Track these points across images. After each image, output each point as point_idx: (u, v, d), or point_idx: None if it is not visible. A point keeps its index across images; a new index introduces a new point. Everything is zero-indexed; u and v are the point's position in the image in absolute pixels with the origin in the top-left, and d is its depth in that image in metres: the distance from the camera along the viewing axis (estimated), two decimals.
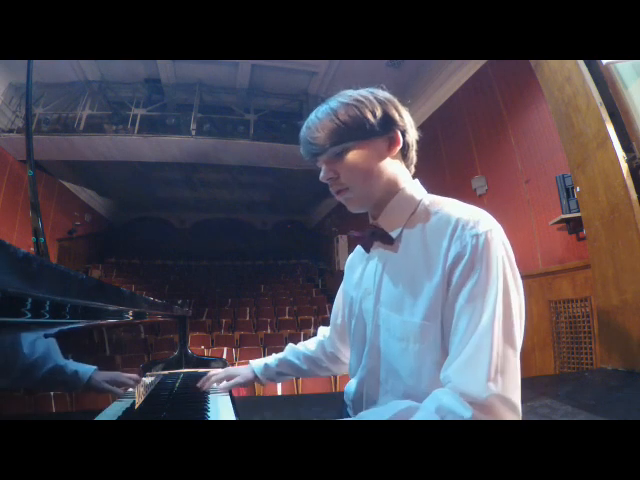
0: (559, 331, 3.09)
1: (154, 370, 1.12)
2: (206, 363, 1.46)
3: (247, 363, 1.01)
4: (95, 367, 0.57)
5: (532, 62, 3.01)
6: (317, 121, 0.66)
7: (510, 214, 3.78)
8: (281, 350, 1.01)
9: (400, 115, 0.67)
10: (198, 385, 1.01)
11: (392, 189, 0.68)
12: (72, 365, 0.50)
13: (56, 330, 0.49)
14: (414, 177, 0.73)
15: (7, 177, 5.67)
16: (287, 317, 6.28)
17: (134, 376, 0.81)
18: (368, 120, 0.64)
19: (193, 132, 6.18)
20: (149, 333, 1.13)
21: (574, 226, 2.99)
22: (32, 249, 0.90)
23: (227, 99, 6.68)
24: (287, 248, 10.72)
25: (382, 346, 0.67)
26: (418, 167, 0.74)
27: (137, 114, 6.27)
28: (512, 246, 0.60)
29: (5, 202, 5.57)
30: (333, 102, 0.67)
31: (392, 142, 0.67)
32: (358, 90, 0.69)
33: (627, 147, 2.25)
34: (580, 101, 2.45)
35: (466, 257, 0.57)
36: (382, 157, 0.67)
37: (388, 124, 0.66)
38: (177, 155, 6.63)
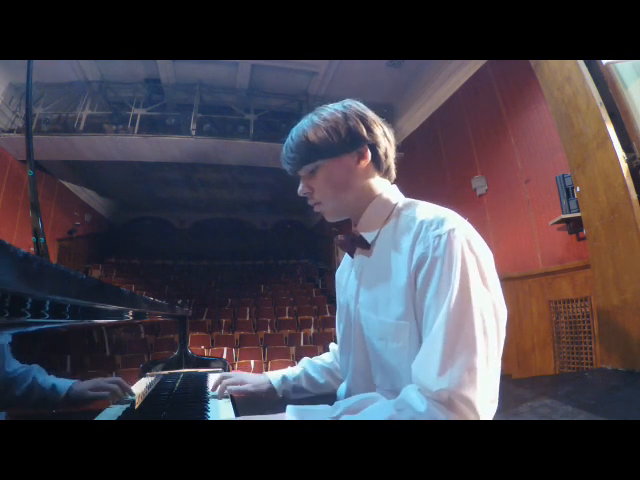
0: (559, 331, 3.09)
1: (154, 370, 1.12)
2: (206, 363, 1.46)
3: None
4: (74, 380, 0.55)
5: (532, 62, 3.01)
6: (292, 143, 0.72)
7: (510, 214, 3.77)
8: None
9: (369, 130, 0.70)
10: (211, 388, 0.97)
11: (367, 198, 0.72)
12: (50, 379, 0.47)
13: (47, 334, 0.49)
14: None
15: (7, 177, 5.66)
16: (287, 317, 6.27)
17: (117, 379, 0.78)
18: (334, 139, 0.68)
19: (193, 132, 6.17)
20: (149, 333, 1.13)
21: (574, 226, 2.99)
22: (32, 249, 0.90)
23: (227, 99, 6.66)
24: (287, 248, 10.71)
25: (367, 345, 0.70)
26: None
27: (137, 114, 6.25)
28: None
29: (5, 202, 5.57)
30: (306, 122, 0.71)
31: (361, 156, 0.70)
32: (331, 107, 0.72)
33: (627, 147, 2.25)
34: (580, 101, 2.45)
35: (429, 258, 0.59)
36: (352, 171, 0.70)
37: (356, 140, 0.69)
38: (177, 155, 6.62)
